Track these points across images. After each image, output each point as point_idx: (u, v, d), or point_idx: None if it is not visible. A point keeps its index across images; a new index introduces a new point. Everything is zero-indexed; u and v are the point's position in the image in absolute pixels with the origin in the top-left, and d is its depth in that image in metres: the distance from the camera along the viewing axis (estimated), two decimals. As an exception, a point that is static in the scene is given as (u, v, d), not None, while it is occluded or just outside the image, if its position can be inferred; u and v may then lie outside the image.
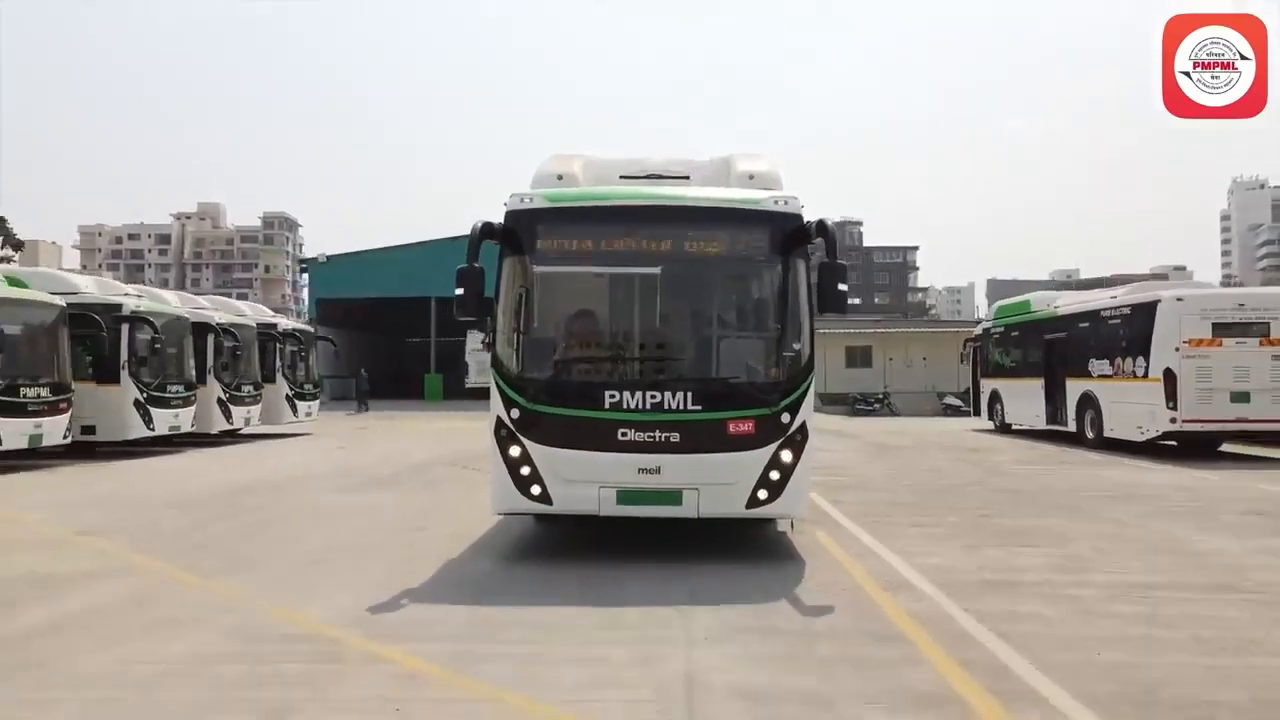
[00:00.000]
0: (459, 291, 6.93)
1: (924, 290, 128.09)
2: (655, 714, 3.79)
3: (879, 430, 22.65)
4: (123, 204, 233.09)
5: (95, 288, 16.48)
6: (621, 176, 8.12)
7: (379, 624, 5.14)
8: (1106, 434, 15.85)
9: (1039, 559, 6.88)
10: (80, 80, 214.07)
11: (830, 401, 32.63)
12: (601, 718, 3.79)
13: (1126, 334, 15.47)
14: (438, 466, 13.74)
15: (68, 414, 13.96)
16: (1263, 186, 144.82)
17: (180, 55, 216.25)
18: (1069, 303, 18.83)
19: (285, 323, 21.92)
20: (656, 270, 7.46)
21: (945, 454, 15.84)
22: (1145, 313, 14.87)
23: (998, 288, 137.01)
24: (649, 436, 6.79)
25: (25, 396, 13.21)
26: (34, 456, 13.92)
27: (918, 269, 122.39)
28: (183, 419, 16.37)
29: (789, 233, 6.98)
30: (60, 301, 14.37)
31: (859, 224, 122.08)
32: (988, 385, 21.78)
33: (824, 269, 6.74)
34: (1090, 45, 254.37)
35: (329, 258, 36.82)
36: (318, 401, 22.51)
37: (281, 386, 20.32)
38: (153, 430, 15.45)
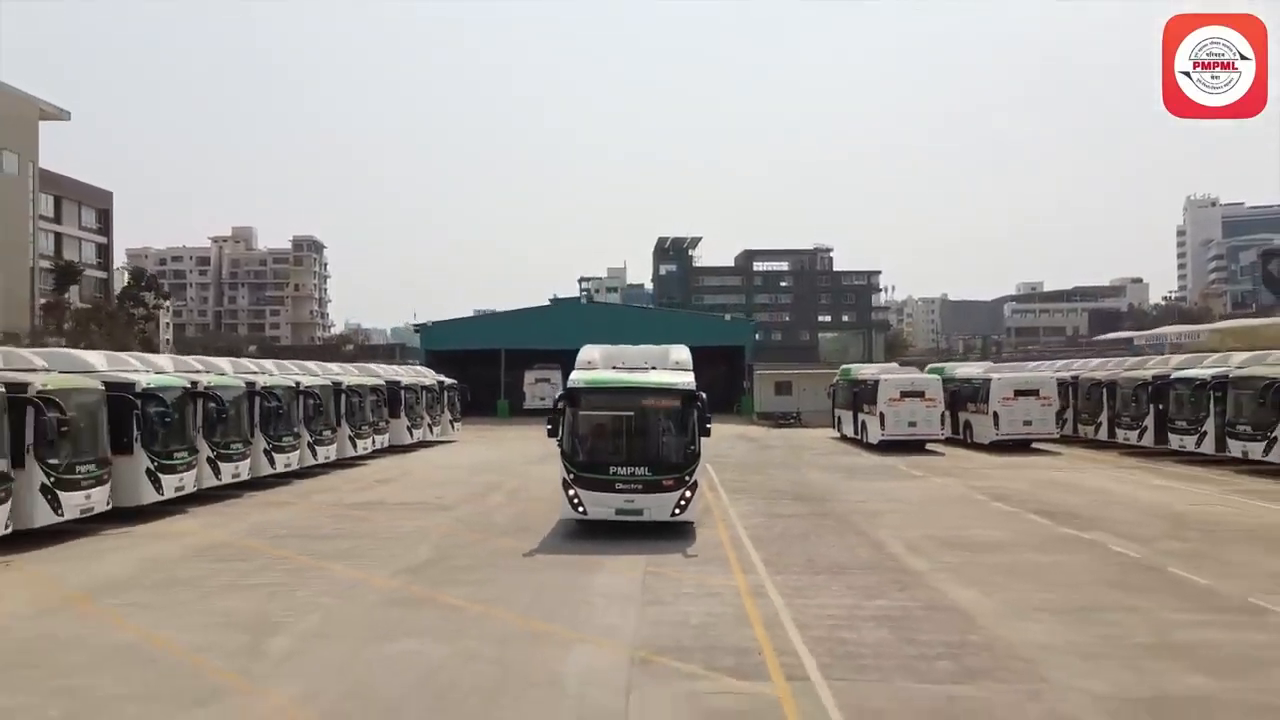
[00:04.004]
0: (549, 426, 14.40)
1: (887, 308, 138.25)
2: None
3: (776, 436, 39.05)
4: (166, 229, 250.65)
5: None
6: (613, 366, 15.28)
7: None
8: (870, 441, 32.57)
9: (758, 477, 23.81)
10: (127, 119, 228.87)
11: (762, 418, 49.17)
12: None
13: (871, 392, 32.22)
14: (549, 458, 29.97)
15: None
16: (1214, 204, 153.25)
17: (209, 90, 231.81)
18: (864, 372, 35.70)
19: (449, 380, 37.37)
20: (632, 413, 14.53)
21: (790, 449, 32.46)
22: (875, 383, 31.79)
23: (952, 308, 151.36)
24: (629, 486, 13.69)
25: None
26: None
27: (880, 290, 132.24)
28: (420, 433, 33.08)
29: (690, 398, 14.16)
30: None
31: (829, 250, 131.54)
32: (836, 412, 38.15)
33: (699, 415, 14.04)
34: (1083, 46, 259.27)
35: (434, 324, 54.55)
36: (460, 423, 38.79)
37: (447, 414, 36.54)
38: (410, 438, 32.28)
